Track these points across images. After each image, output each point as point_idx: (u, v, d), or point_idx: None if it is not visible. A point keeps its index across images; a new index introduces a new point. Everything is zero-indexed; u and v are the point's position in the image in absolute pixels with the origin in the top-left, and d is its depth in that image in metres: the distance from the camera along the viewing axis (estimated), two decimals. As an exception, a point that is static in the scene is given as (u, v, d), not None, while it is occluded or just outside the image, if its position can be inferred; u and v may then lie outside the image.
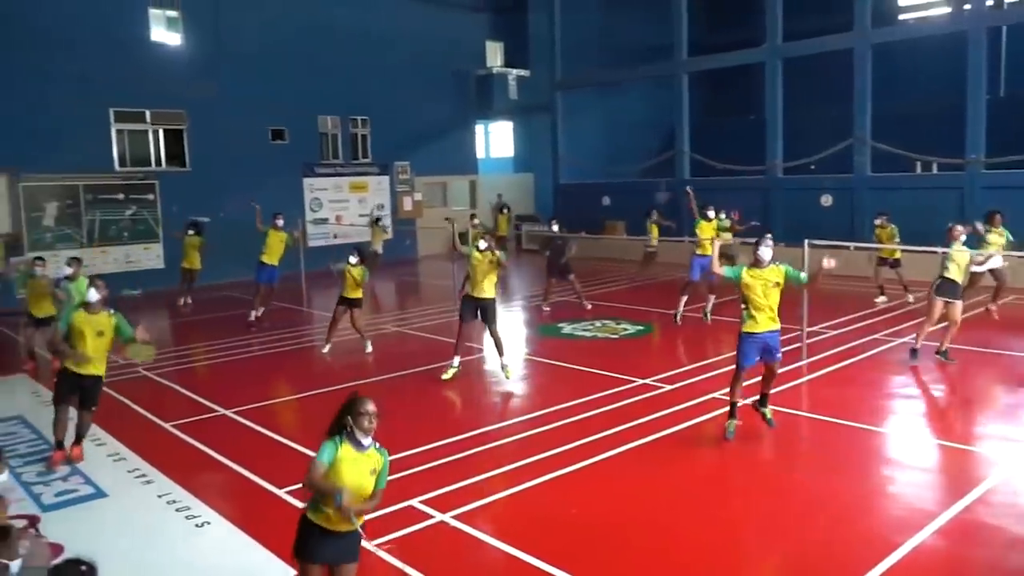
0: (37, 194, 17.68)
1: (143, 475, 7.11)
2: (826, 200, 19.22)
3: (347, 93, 22.80)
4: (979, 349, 10.83)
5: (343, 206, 23.45)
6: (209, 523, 6.08)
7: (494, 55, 28.47)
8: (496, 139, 32.39)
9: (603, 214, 23.03)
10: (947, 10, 25.69)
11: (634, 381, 9.62)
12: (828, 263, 7.27)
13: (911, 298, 13.85)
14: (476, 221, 18.65)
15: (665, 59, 22.78)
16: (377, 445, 4.19)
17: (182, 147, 20.02)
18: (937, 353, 10.07)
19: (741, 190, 20.32)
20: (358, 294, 11.43)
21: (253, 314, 14.00)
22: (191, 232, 15.95)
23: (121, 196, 18.97)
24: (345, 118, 23.29)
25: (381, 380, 10.13)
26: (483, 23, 27.25)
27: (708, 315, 12.86)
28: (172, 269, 19.18)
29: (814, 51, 20.01)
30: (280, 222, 14.35)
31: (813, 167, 20.33)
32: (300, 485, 4.38)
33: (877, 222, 14.22)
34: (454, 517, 6.00)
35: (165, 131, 19.72)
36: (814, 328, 11.37)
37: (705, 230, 13.25)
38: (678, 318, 12.88)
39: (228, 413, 8.91)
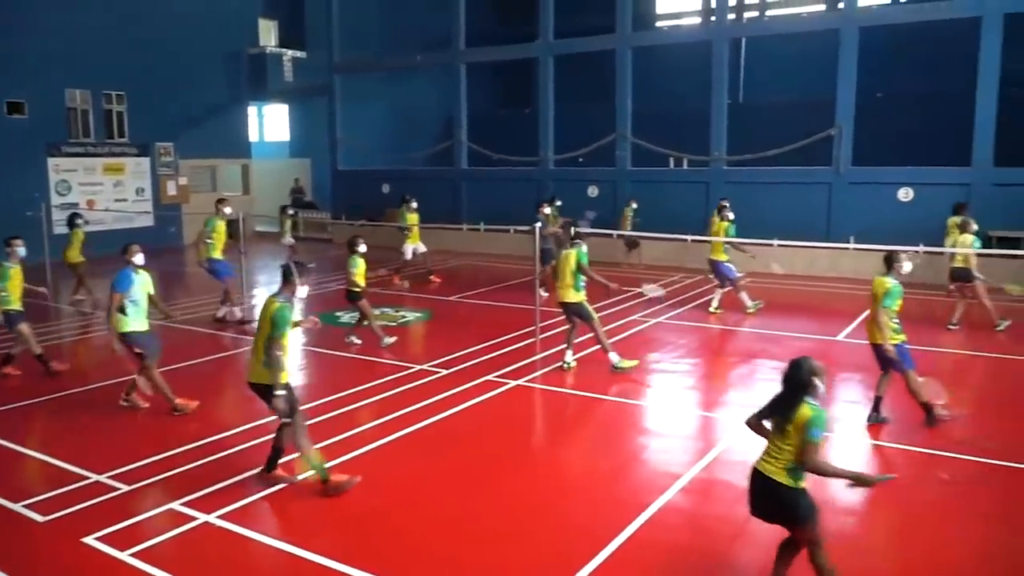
0: None
1: None
2: (592, 191, 20.42)
3: (100, 65, 20.80)
4: (719, 327, 12.11)
5: (96, 190, 21.42)
6: (-75, 547, 5.34)
7: (267, 33, 27.26)
8: (271, 122, 31.08)
9: (383, 202, 22.90)
10: (697, 20, 28.28)
11: (411, 367, 9.70)
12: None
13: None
14: (291, 212, 18.06)
15: (446, 48, 23.00)
16: None
17: None
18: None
19: (516, 180, 21.08)
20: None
21: (238, 312, 12.65)
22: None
23: None
24: (97, 93, 21.25)
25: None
26: (255, -2, 26.01)
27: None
28: None
29: (581, 50, 21.12)
30: (228, 209, 12.75)
31: (581, 160, 21.51)
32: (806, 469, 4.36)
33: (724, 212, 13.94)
34: (220, 517, 5.74)
35: None
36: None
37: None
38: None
39: (-48, 422, 7.86)
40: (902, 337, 7.57)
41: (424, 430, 7.61)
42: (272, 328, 6.02)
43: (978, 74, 15.85)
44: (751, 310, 12.82)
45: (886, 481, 5.09)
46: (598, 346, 9.67)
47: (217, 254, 12.48)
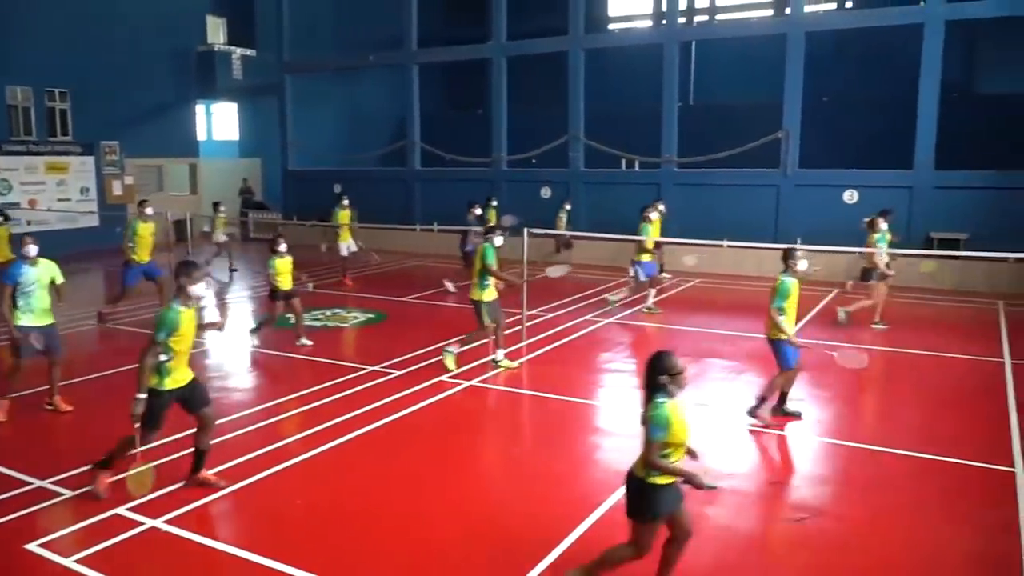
0: None
1: None
2: (545, 192, 20.52)
3: (42, 62, 20.23)
4: (667, 326, 12.29)
5: (39, 189, 20.84)
6: None
7: (216, 31, 26.79)
8: (219, 121, 30.55)
9: (334, 202, 22.66)
10: (649, 23, 28.63)
11: (363, 368, 9.64)
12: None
13: None
14: (223, 209, 17.68)
15: (398, 49, 22.90)
16: None
17: None
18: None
19: (469, 181, 21.06)
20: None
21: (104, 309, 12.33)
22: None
23: None
24: (40, 90, 20.67)
25: (83, 381, 9.18)
26: (202, -5, 25.56)
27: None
28: None
29: (534, 51, 21.21)
30: (149, 210, 12.38)
31: (534, 161, 21.59)
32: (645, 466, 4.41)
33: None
34: (167, 522, 5.64)
35: None
36: (533, 312, 12.12)
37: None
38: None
39: None
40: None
41: (377, 431, 7.57)
42: (154, 329, 5.79)
43: (920, 79, 16.34)
44: (642, 305, 13.35)
45: (711, 489, 4.90)
46: (557, 344, 9.72)
47: (140, 256, 12.27)
